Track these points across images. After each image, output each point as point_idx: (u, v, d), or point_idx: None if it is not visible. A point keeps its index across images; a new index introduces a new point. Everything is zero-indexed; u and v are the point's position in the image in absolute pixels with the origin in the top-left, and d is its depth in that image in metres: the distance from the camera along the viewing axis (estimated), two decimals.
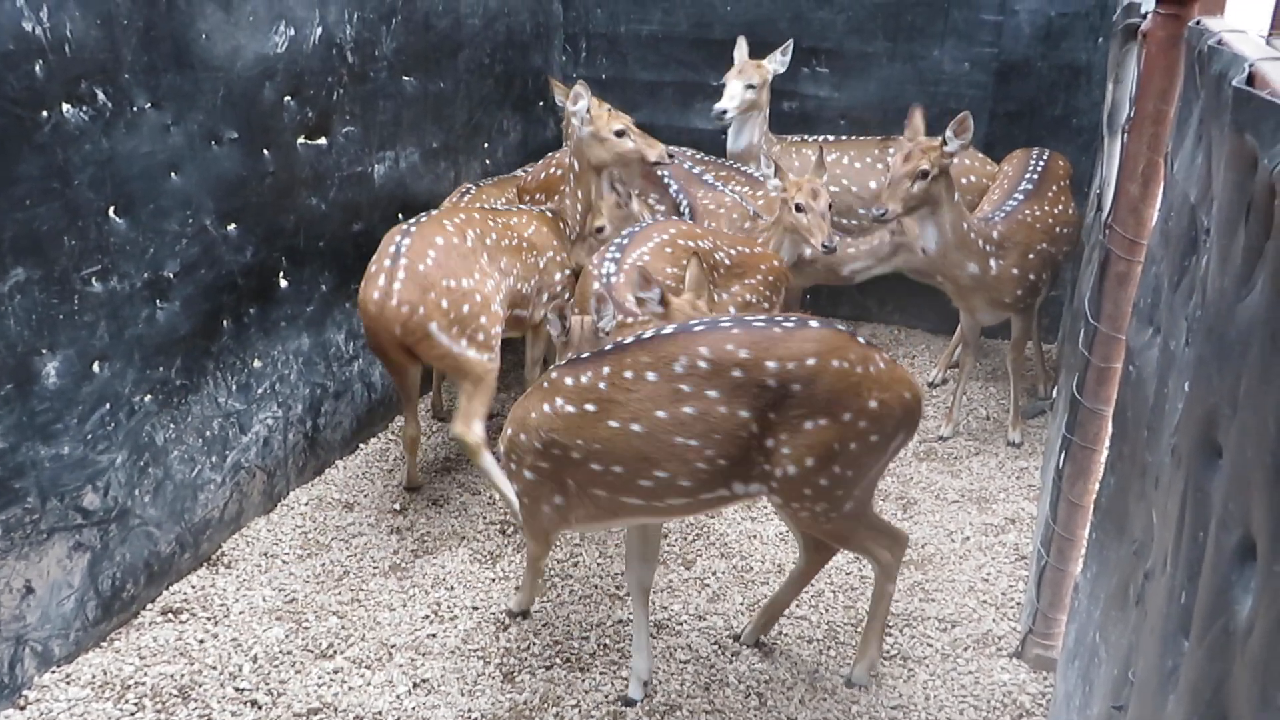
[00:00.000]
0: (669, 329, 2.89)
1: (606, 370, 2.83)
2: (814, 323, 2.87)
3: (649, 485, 2.83)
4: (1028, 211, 4.52)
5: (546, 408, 2.88)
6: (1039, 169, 4.72)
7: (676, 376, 2.75)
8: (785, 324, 2.83)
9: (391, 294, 3.65)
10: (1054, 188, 4.68)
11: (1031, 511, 4.16)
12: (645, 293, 3.24)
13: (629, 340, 2.89)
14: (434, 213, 4.04)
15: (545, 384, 2.95)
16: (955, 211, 4.18)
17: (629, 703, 3.09)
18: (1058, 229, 4.58)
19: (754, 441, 2.77)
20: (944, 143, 4.02)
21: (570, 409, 2.84)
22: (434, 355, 3.76)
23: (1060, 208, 4.64)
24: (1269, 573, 0.96)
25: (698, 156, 5.16)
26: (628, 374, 2.79)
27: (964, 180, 5.07)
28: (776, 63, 5.14)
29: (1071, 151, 5.11)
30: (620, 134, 4.21)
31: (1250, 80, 1.33)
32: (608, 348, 2.92)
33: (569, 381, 2.87)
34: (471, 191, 4.85)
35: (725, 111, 5.01)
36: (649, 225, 4.08)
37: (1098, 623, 2.20)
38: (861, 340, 2.87)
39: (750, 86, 5.06)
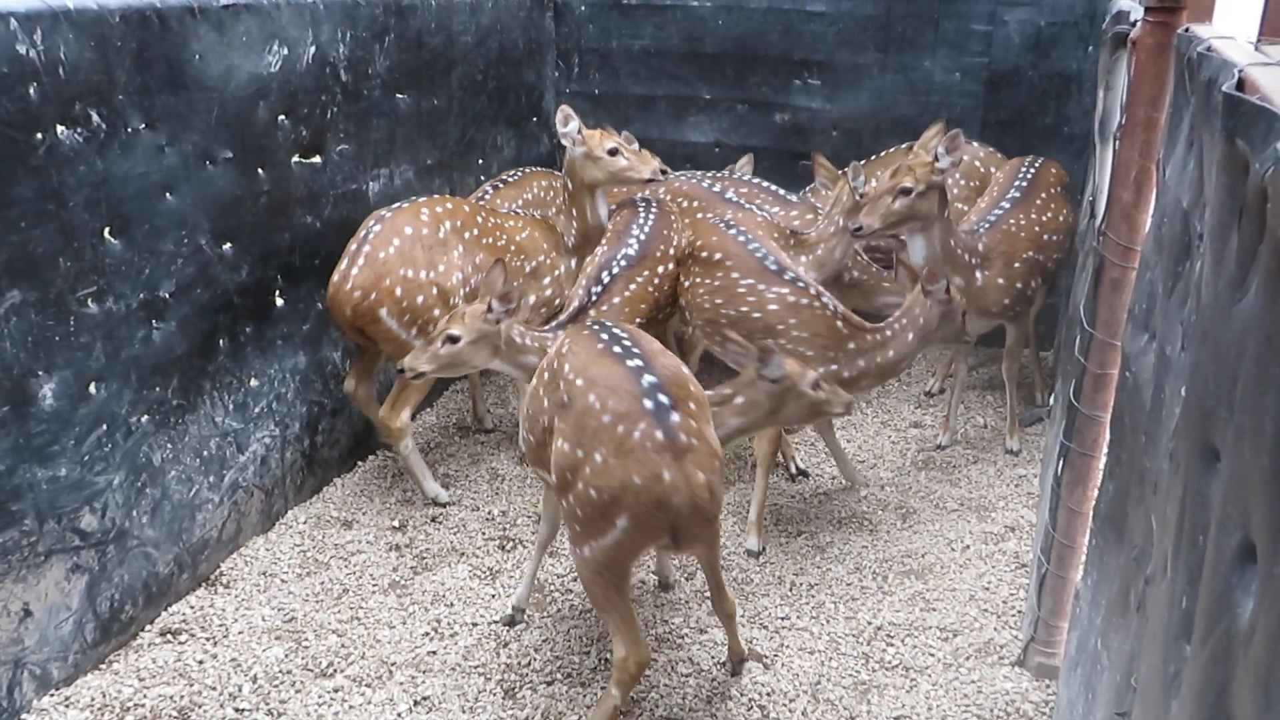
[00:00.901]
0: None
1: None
2: (658, 362, 2.83)
3: (526, 449, 3.15)
4: (1013, 221, 4.50)
5: None
6: (1028, 177, 4.71)
7: (551, 355, 3.07)
8: (639, 348, 2.90)
9: (348, 278, 3.87)
10: (1043, 195, 4.66)
11: (1031, 519, 4.15)
12: (932, 285, 3.74)
13: None
14: (418, 200, 4.14)
15: None
16: (944, 228, 4.13)
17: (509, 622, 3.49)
18: (1046, 236, 4.56)
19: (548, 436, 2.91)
20: (936, 159, 3.98)
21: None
22: (383, 339, 3.95)
23: (1049, 215, 4.61)
24: (1269, 575, 0.96)
25: (713, 175, 5.11)
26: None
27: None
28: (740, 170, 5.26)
29: (1063, 159, 5.13)
30: (613, 152, 4.25)
31: (1240, 86, 1.34)
32: None
33: None
34: (489, 195, 4.86)
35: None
36: (749, 231, 4.15)
37: (1099, 629, 2.19)
38: (654, 406, 2.67)
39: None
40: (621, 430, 2.65)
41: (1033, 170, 4.76)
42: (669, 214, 4.42)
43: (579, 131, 4.24)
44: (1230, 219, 1.25)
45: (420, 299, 3.90)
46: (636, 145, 4.51)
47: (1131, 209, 2.64)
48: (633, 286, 4.07)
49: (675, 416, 2.68)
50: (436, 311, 3.93)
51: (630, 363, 2.81)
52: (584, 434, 2.71)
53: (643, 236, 4.22)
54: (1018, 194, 4.62)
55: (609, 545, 2.71)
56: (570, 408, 2.78)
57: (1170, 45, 2.38)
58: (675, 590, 3.68)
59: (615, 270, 4.08)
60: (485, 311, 3.48)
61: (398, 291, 3.86)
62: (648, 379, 2.75)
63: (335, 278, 3.90)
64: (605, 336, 2.96)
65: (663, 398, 2.71)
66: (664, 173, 4.34)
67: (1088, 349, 2.82)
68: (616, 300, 4.02)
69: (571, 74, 6.05)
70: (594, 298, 4.00)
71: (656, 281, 4.15)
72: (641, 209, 4.40)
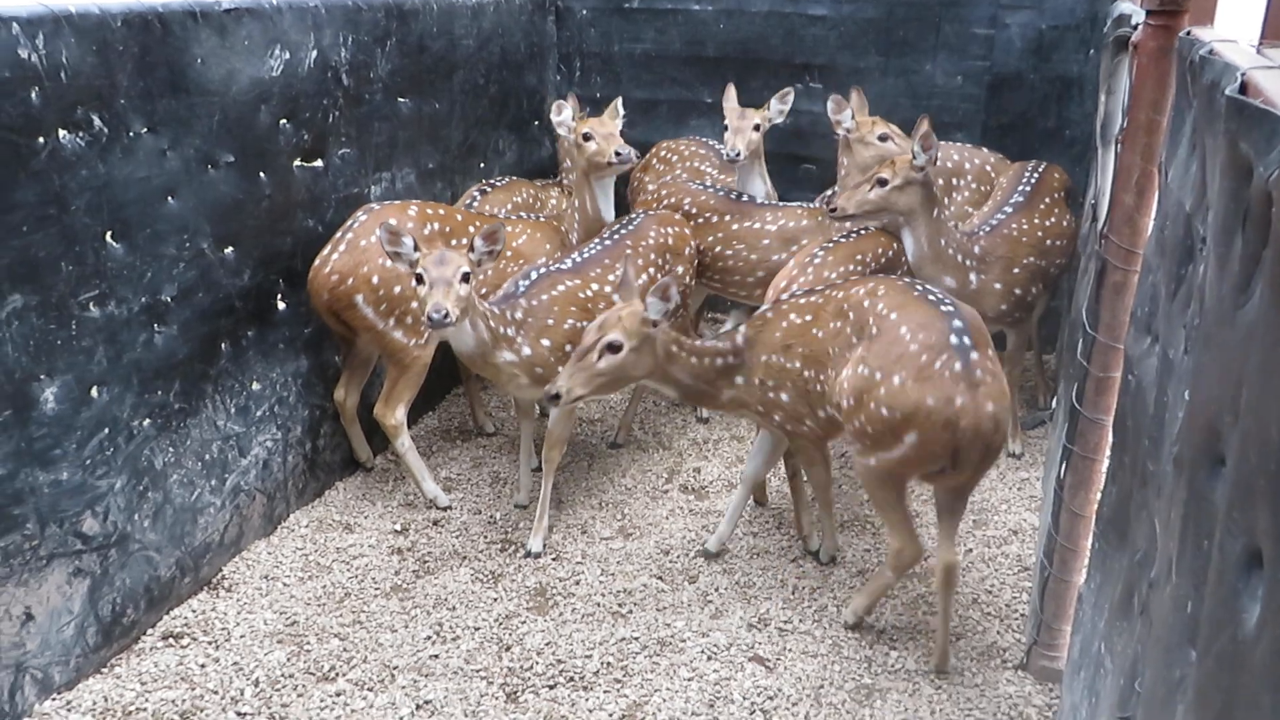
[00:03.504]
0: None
1: None
2: (963, 310, 3.24)
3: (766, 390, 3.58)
4: (1014, 226, 4.46)
5: None
6: (1032, 181, 4.68)
7: (841, 296, 3.51)
8: (948, 299, 3.32)
9: (328, 262, 3.92)
10: (1046, 200, 4.62)
11: (1033, 523, 4.15)
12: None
13: None
14: (412, 200, 4.22)
15: None
16: (932, 225, 4.11)
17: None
18: (1049, 241, 4.53)
19: None
20: (913, 156, 3.97)
21: None
22: (361, 327, 3.98)
23: (1053, 220, 4.58)
24: (1276, 580, 0.96)
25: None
26: None
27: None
28: (773, 111, 4.84)
29: (1064, 163, 5.12)
30: (587, 137, 4.27)
31: (1243, 89, 1.34)
32: None
33: None
34: (477, 199, 4.86)
35: (739, 153, 4.66)
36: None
37: (1102, 633, 2.19)
38: (958, 343, 3.10)
39: (756, 127, 4.75)
40: (925, 359, 3.04)
41: (1036, 175, 4.73)
42: (625, 243, 4.20)
43: (573, 118, 4.30)
44: (1234, 223, 1.25)
45: (397, 289, 3.91)
46: (620, 114, 4.52)
47: (1134, 212, 2.64)
48: (560, 288, 3.89)
49: (975, 354, 3.05)
50: (415, 304, 3.83)
51: (943, 308, 3.19)
52: (888, 359, 3.09)
53: (584, 256, 4.08)
54: (1021, 199, 4.59)
55: (895, 459, 3.10)
56: (877, 338, 3.16)
57: (1172, 49, 2.38)
58: (677, 593, 3.68)
59: (543, 270, 3.94)
60: (643, 311, 3.25)
61: (374, 280, 3.88)
62: (956, 322, 3.13)
63: (316, 262, 3.94)
64: (919, 287, 3.35)
65: (966, 339, 3.08)
66: (618, 155, 4.25)
67: (1090, 352, 2.82)
68: (544, 297, 3.83)
69: (573, 78, 6.05)
70: (521, 289, 3.83)
71: (590, 294, 3.95)
72: (607, 230, 4.29)
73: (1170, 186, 2.01)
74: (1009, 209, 4.55)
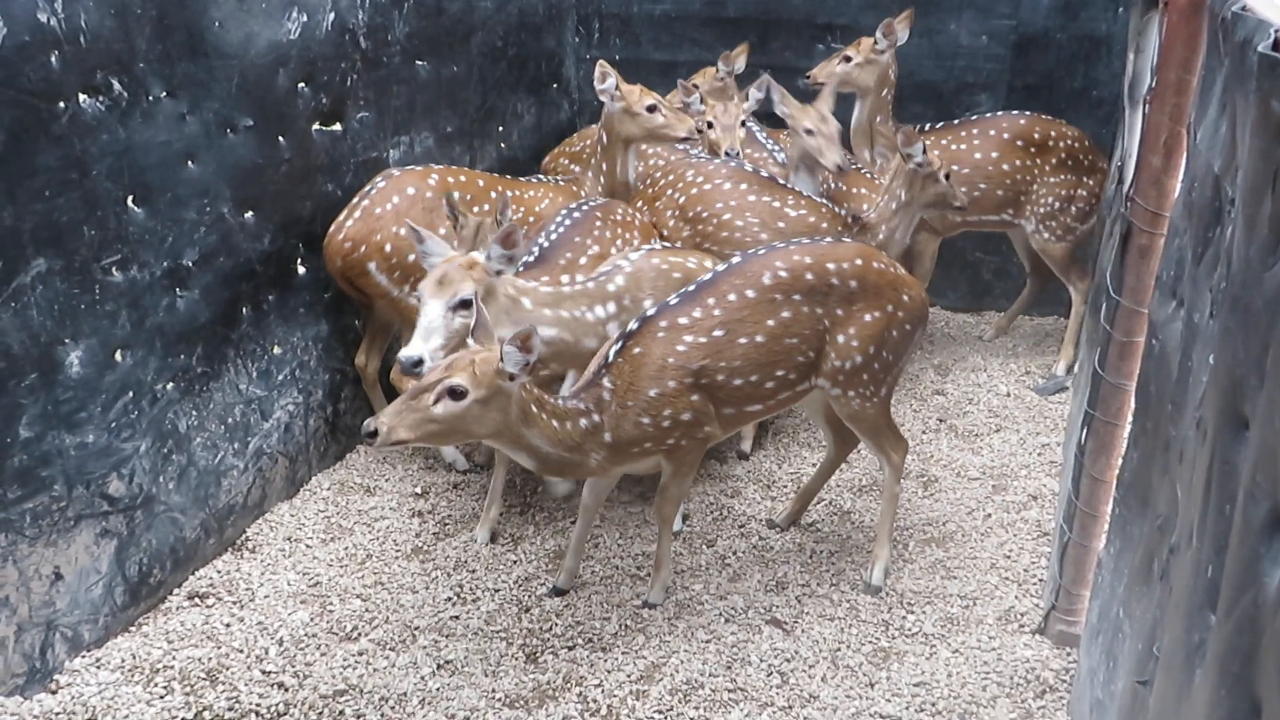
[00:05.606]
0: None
1: None
2: None
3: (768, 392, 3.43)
4: (947, 137, 4.85)
5: None
6: (989, 116, 4.98)
7: (789, 278, 3.47)
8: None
9: (342, 228, 3.94)
10: (992, 132, 4.86)
11: (1053, 488, 4.14)
12: (908, 148, 4.04)
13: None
14: (433, 166, 4.24)
15: None
16: (876, 102, 4.82)
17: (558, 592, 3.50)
18: (978, 155, 4.82)
19: None
20: (875, 41, 4.72)
21: None
22: (376, 294, 4.00)
23: (998, 152, 4.83)
24: None
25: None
26: None
27: None
28: (751, 101, 4.61)
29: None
30: (651, 109, 4.23)
31: (1275, 46, 1.31)
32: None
33: None
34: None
35: (738, 151, 4.46)
36: None
37: (1121, 598, 2.19)
38: None
39: (743, 123, 4.60)
40: (902, 271, 3.43)
41: (999, 112, 5.03)
42: (594, 220, 3.88)
43: (616, 87, 4.23)
44: (1264, 183, 1.23)
45: (411, 257, 3.83)
46: (696, 100, 4.56)
47: (1161, 174, 2.60)
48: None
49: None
50: None
51: (811, 245, 3.37)
52: (884, 293, 3.31)
53: (546, 244, 3.79)
54: (956, 122, 4.97)
55: (903, 364, 3.45)
56: (862, 289, 3.28)
57: (1203, 5, 2.33)
58: (695, 556, 3.70)
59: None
60: (498, 361, 2.71)
61: (387, 248, 3.89)
62: (831, 245, 3.43)
63: (331, 228, 3.95)
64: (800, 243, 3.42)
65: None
66: (699, 132, 4.32)
67: (1114, 316, 2.80)
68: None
69: (592, 39, 5.99)
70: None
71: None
72: (560, 215, 3.91)
73: (1199, 147, 1.98)
74: (955, 122, 5.00)
